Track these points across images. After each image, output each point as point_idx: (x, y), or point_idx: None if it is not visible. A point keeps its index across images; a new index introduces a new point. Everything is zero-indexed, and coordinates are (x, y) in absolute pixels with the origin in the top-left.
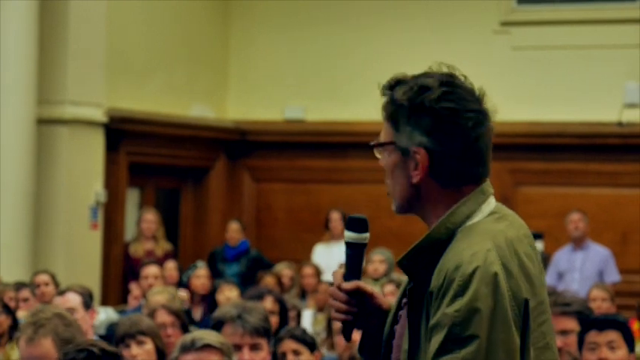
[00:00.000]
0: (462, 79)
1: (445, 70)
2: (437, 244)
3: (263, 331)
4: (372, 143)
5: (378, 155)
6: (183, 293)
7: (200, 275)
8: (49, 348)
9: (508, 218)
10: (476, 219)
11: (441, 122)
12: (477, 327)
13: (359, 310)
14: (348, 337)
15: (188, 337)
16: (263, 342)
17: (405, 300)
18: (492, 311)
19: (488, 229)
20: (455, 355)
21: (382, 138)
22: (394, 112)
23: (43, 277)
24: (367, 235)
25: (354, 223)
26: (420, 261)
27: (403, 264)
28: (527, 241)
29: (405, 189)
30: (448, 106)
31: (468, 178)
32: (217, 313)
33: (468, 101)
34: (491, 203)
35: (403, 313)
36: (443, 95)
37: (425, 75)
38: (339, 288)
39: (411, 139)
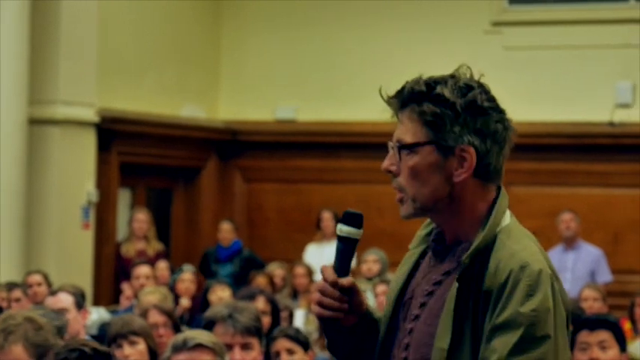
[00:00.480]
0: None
1: (468, 74)
2: (487, 245)
3: (254, 331)
4: (399, 145)
5: (392, 158)
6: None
7: (184, 279)
8: (19, 354)
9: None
10: (507, 220)
11: (486, 121)
12: (550, 327)
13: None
14: (330, 335)
15: (180, 337)
16: (254, 341)
17: (409, 296)
18: (555, 312)
19: (525, 232)
20: (530, 355)
21: (411, 139)
22: (439, 111)
23: (36, 278)
24: (362, 231)
25: (351, 218)
26: (475, 261)
27: (466, 263)
28: None
29: (438, 189)
30: (490, 105)
31: (497, 177)
32: (208, 313)
33: (497, 104)
34: None
35: (424, 311)
36: (484, 95)
37: (456, 76)
38: (334, 284)
39: (459, 138)
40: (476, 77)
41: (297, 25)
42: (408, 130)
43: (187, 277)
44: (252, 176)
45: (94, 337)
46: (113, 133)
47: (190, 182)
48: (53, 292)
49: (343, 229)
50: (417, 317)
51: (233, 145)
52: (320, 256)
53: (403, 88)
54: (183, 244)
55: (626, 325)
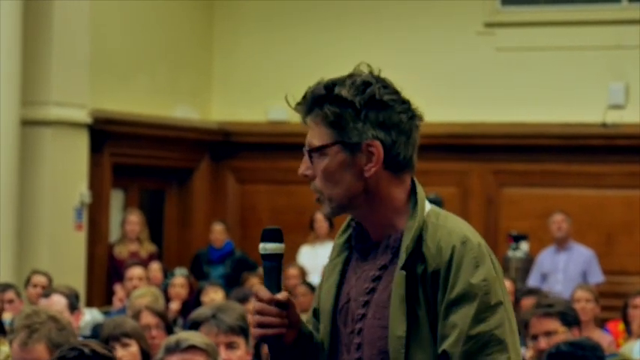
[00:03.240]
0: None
1: (367, 70)
2: (418, 231)
3: (239, 330)
4: (308, 149)
5: (306, 162)
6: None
7: (175, 284)
8: (42, 352)
9: None
10: (429, 206)
11: (388, 113)
12: (500, 294)
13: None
14: (275, 355)
15: (173, 339)
16: (239, 340)
17: (344, 301)
18: (501, 282)
19: (451, 214)
20: (489, 323)
21: (318, 142)
22: (339, 111)
23: (41, 279)
24: (283, 245)
25: (270, 235)
26: (412, 246)
27: (412, 248)
28: None
29: (352, 186)
30: (390, 98)
31: (409, 166)
32: (193, 315)
33: (400, 95)
34: None
35: (369, 308)
36: (384, 89)
37: (354, 75)
38: (271, 301)
39: (363, 134)
40: (375, 72)
41: (289, 26)
42: (315, 134)
43: (179, 281)
44: (245, 177)
45: (86, 338)
46: (106, 135)
47: (183, 183)
48: (47, 295)
49: (267, 246)
50: (364, 316)
51: (226, 146)
52: (313, 257)
53: (306, 93)
54: (175, 245)
55: (619, 327)
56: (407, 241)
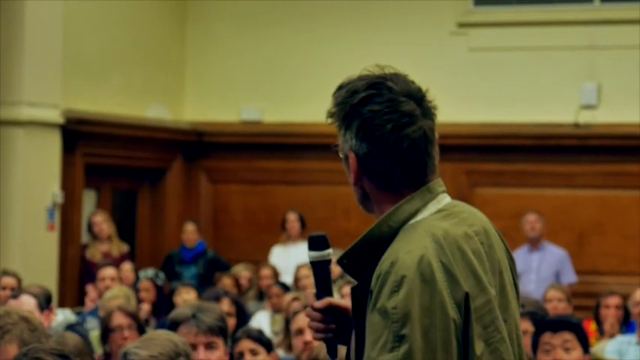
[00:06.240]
0: (399, 78)
1: (381, 70)
2: (378, 243)
3: (218, 330)
4: (332, 146)
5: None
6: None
7: (141, 289)
8: (14, 353)
9: (459, 215)
10: (420, 217)
11: (364, 125)
12: (413, 325)
13: (337, 325)
14: (333, 355)
15: (122, 351)
16: (219, 341)
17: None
18: (429, 308)
19: (429, 226)
20: (394, 354)
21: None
22: (333, 118)
23: (10, 281)
24: (329, 250)
25: (314, 242)
26: (361, 260)
27: (343, 263)
28: (479, 238)
29: (354, 190)
30: (371, 108)
31: (405, 182)
32: (172, 315)
33: (396, 102)
34: (442, 201)
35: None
36: (368, 98)
37: (358, 78)
38: (312, 308)
39: (346, 143)
40: (386, 72)
41: (262, 26)
42: None
43: (143, 286)
44: (218, 177)
45: None
46: (78, 135)
47: (156, 184)
48: (15, 296)
49: (311, 254)
50: None
51: (198, 147)
52: (285, 257)
53: None
54: (148, 245)
55: (591, 327)
56: (341, 255)
